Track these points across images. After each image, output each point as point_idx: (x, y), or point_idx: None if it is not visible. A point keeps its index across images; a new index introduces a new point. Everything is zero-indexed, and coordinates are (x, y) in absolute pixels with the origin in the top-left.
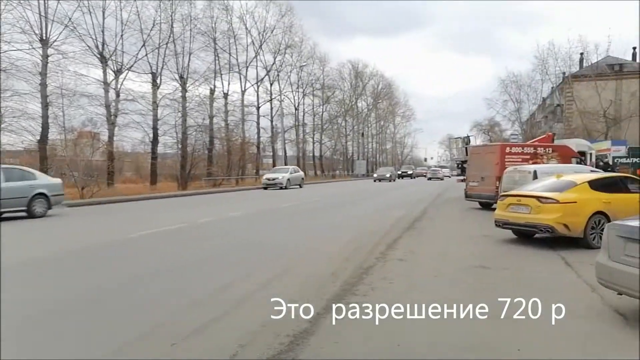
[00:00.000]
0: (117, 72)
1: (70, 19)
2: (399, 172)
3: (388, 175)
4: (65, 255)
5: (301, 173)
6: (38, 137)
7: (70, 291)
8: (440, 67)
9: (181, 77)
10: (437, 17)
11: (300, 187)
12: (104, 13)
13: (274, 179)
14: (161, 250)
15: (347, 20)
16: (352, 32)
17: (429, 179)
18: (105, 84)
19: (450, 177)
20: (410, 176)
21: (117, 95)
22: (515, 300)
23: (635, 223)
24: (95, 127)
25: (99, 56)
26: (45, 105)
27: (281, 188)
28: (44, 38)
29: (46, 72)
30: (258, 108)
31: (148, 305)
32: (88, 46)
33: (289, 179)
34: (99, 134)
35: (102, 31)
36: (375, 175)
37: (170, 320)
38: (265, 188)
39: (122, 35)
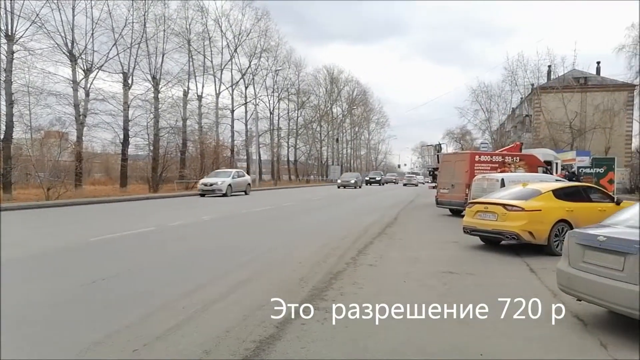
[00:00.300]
0: (87, 71)
1: (37, 15)
2: (367, 178)
3: (353, 182)
4: (22, 259)
5: (247, 178)
6: (2, 136)
7: (25, 297)
8: (413, 75)
9: (154, 77)
10: (412, 26)
11: (246, 193)
12: (73, 10)
13: (211, 185)
14: (126, 255)
15: (323, 26)
16: (328, 38)
17: (405, 184)
18: (75, 82)
19: (424, 183)
20: (379, 182)
21: (87, 94)
22: (479, 304)
23: (594, 231)
24: (63, 126)
25: (68, 54)
26: (9, 103)
27: (224, 195)
28: (10, 34)
29: (11, 68)
30: (232, 111)
31: (110, 311)
32: (57, 44)
33: (230, 185)
34: (67, 134)
35: (72, 29)
36: (338, 181)
37: (134, 326)
38: (202, 195)
39: (92, 34)
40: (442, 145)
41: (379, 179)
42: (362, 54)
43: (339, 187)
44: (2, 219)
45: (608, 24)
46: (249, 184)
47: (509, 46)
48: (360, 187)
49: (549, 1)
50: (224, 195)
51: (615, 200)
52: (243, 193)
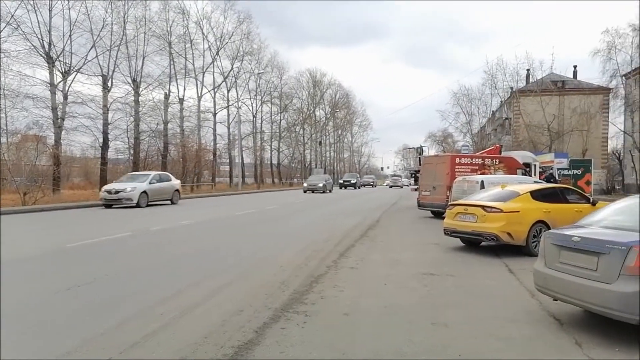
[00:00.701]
0: (65, 74)
1: (12, 16)
2: (340, 181)
3: (321, 185)
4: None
5: (174, 182)
6: None
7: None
8: (394, 78)
9: (134, 80)
10: (391, 30)
11: (173, 203)
12: (50, 12)
13: (117, 192)
14: (103, 260)
15: (303, 29)
16: (308, 41)
17: (391, 186)
18: (52, 85)
19: (408, 185)
20: (354, 186)
21: (65, 97)
22: (459, 305)
23: (569, 232)
24: (41, 130)
25: (45, 56)
26: None
27: (137, 206)
28: None
29: None
30: (215, 114)
31: (86, 318)
32: (33, 46)
33: (145, 192)
34: (45, 138)
35: (49, 30)
36: (304, 184)
37: (110, 333)
38: (106, 206)
39: (70, 36)
40: (423, 147)
41: (354, 181)
42: (343, 57)
43: (304, 192)
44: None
45: (584, 28)
46: (177, 190)
47: (488, 50)
48: (330, 191)
49: (527, 5)
50: (137, 205)
51: (591, 201)
52: (168, 202)
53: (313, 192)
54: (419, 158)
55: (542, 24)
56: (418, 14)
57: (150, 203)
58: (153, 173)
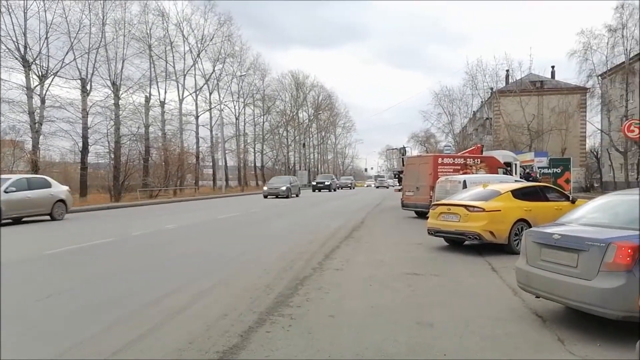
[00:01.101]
0: (42, 77)
1: None
2: (314, 183)
3: (284, 189)
4: None
5: (56, 190)
6: None
7: None
8: (376, 79)
9: (114, 83)
10: (372, 31)
11: (54, 218)
12: (25, 13)
13: None
14: (83, 267)
15: (284, 30)
16: (288, 42)
17: (377, 187)
18: (29, 89)
19: (393, 186)
20: (329, 188)
21: (42, 102)
22: (442, 305)
23: (549, 229)
24: (17, 135)
25: (20, 60)
26: None
27: None
28: None
29: None
30: (197, 117)
31: (65, 326)
32: (8, 49)
33: None
34: (22, 143)
35: (24, 33)
36: (265, 188)
37: (91, 340)
38: None
39: (47, 38)
40: (406, 148)
41: (328, 183)
42: (324, 59)
43: (265, 197)
44: None
45: (561, 29)
46: (62, 200)
47: (469, 51)
48: (297, 195)
49: (505, 6)
50: None
51: (570, 199)
52: (47, 218)
53: (277, 197)
54: (402, 159)
55: (520, 25)
56: (399, 14)
57: (6, 220)
58: (14, 177)
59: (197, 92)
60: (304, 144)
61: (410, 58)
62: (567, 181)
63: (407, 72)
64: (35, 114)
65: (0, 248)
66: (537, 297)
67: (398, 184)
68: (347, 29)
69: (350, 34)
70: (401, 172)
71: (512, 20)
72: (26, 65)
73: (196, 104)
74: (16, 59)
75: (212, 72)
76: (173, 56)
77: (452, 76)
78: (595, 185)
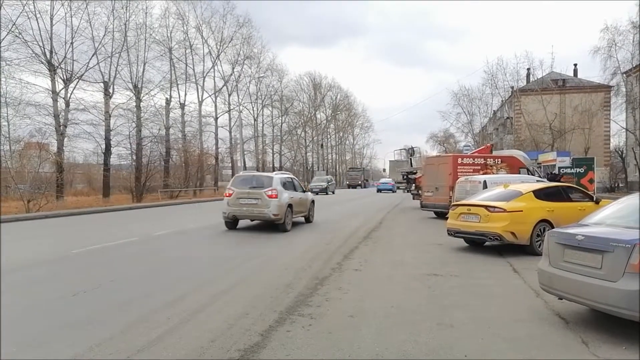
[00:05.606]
0: (67, 81)
1: (14, 23)
2: (310, 185)
3: (324, 186)
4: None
5: None
6: None
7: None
8: (377, 77)
9: (135, 86)
10: (370, 28)
11: None
12: (52, 19)
13: None
14: (108, 266)
15: (279, 28)
16: (284, 40)
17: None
18: (54, 93)
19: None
20: (327, 191)
21: (67, 104)
22: (463, 306)
23: (572, 230)
24: (43, 137)
25: (46, 64)
26: None
27: None
28: None
29: None
30: (216, 119)
31: (92, 324)
32: (35, 53)
33: None
34: (47, 145)
35: (50, 38)
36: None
37: (116, 338)
38: None
39: (72, 43)
40: (414, 148)
41: (324, 186)
42: (321, 57)
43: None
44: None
45: (583, 27)
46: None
47: (489, 50)
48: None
49: (525, 4)
50: None
51: (594, 199)
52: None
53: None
54: (410, 159)
55: (542, 21)
56: (396, 12)
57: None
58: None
59: (217, 94)
60: (322, 145)
61: (410, 55)
62: (591, 181)
63: (407, 70)
64: (60, 116)
65: (0, 248)
66: (560, 298)
67: (407, 186)
68: (346, 25)
69: (349, 31)
70: (410, 173)
71: (533, 17)
72: (52, 69)
73: (215, 105)
74: (42, 63)
75: (231, 74)
76: (193, 58)
77: (471, 76)
78: (620, 185)
